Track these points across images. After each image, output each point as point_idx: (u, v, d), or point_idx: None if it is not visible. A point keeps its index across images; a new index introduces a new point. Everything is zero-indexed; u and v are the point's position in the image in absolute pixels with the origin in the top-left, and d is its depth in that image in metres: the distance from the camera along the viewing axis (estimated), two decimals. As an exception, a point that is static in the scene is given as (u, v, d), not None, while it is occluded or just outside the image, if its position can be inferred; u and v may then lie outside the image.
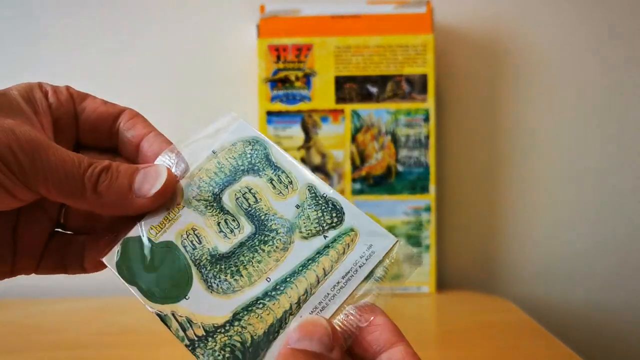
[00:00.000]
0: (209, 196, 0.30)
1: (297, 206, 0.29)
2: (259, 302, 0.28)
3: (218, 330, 0.28)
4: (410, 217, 0.66)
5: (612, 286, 0.73)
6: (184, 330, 0.28)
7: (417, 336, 0.54)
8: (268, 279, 0.28)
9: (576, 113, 0.72)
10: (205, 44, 0.71)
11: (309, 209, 0.29)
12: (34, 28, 0.71)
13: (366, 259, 0.28)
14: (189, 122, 0.71)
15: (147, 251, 0.29)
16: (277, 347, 0.27)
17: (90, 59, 0.71)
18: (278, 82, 0.65)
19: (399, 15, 0.65)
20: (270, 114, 0.65)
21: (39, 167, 0.27)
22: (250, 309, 0.28)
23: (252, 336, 0.27)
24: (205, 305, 0.28)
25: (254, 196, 0.30)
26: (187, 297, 0.28)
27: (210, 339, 0.28)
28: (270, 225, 0.29)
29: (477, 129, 0.72)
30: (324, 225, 0.29)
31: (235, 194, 0.30)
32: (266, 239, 0.29)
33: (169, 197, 0.30)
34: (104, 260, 0.30)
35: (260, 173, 0.30)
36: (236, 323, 0.27)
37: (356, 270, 0.28)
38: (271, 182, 0.30)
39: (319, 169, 0.66)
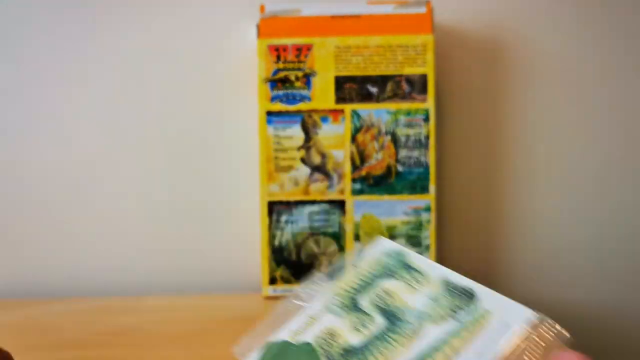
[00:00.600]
0: (347, 302, 0.31)
1: (430, 297, 0.30)
2: None
3: None
4: (410, 217, 0.66)
5: (612, 286, 0.73)
6: None
7: (417, 336, 0.54)
8: None
9: (577, 113, 0.72)
10: (204, 44, 0.71)
11: (442, 299, 0.30)
12: (29, 26, 0.71)
13: (501, 333, 0.28)
14: (189, 123, 0.71)
15: (285, 351, 0.30)
16: None
17: (89, 59, 0.71)
18: (278, 82, 0.65)
19: (399, 15, 0.65)
20: (270, 114, 0.65)
21: None
22: None
23: None
24: None
25: (391, 296, 0.31)
26: None
27: None
28: (401, 316, 0.30)
29: (477, 129, 0.72)
30: (455, 308, 0.29)
31: (374, 296, 0.31)
32: (396, 329, 0.30)
33: None
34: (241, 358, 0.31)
35: (395, 275, 0.32)
36: None
37: (490, 345, 0.28)
38: (405, 281, 0.31)
39: (319, 169, 0.66)
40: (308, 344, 0.30)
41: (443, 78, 0.71)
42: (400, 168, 0.66)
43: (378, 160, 0.66)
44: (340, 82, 0.65)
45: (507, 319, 0.28)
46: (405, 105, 0.65)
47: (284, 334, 0.31)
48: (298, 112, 0.65)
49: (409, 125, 0.65)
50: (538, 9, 0.71)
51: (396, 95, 0.65)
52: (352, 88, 0.65)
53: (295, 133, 0.65)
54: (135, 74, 0.71)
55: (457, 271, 0.72)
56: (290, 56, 0.65)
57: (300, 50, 0.65)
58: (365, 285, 0.32)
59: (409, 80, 0.65)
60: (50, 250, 0.72)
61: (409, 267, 0.32)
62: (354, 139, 0.66)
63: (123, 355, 0.50)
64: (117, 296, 0.69)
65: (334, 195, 0.66)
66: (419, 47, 0.65)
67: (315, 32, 0.65)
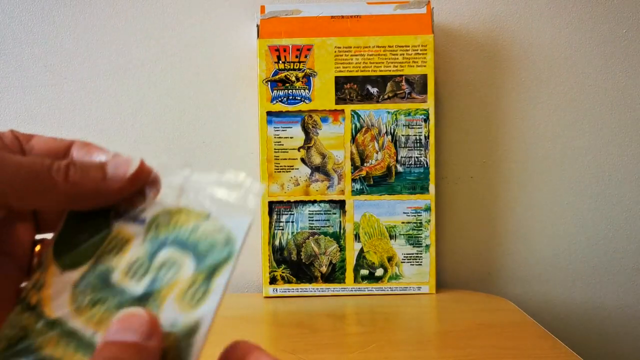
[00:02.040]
0: (161, 236, 0.28)
1: (172, 324, 0.27)
2: (70, 336, 0.27)
3: (37, 315, 0.27)
4: (410, 217, 0.66)
5: (612, 286, 0.73)
6: (34, 287, 0.28)
7: (417, 336, 0.54)
8: (94, 333, 0.26)
9: (577, 113, 0.72)
10: (205, 45, 0.71)
11: (174, 334, 0.26)
12: (26, 28, 0.71)
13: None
14: (189, 122, 0.71)
15: (95, 217, 0.29)
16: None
17: (87, 59, 0.71)
18: (278, 82, 0.65)
19: (399, 15, 0.65)
20: (270, 114, 0.65)
21: (1, 179, 0.26)
22: (62, 332, 0.27)
23: (39, 346, 0.27)
24: (59, 292, 0.28)
25: (173, 276, 0.27)
26: (63, 272, 0.28)
27: (28, 312, 0.28)
28: (147, 308, 0.27)
29: (477, 129, 0.72)
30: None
31: (170, 258, 0.28)
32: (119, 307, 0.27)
33: (145, 182, 0.29)
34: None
35: (198, 268, 0.27)
36: (47, 326, 0.27)
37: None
38: (191, 284, 0.27)
39: (319, 169, 0.66)
40: (109, 229, 0.28)
41: (443, 78, 0.71)
42: (400, 168, 0.66)
43: (378, 160, 0.66)
44: (340, 83, 0.65)
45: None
46: (405, 106, 0.65)
47: None
48: (298, 113, 0.65)
49: (409, 125, 0.65)
50: (538, 9, 0.71)
51: (396, 96, 0.65)
52: (352, 88, 0.65)
53: (296, 133, 0.66)
54: (135, 74, 0.71)
55: (457, 271, 0.73)
56: (291, 57, 0.65)
57: (300, 50, 0.65)
58: (184, 243, 0.28)
59: (409, 80, 0.65)
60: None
61: (209, 276, 0.27)
62: (354, 139, 0.66)
63: (123, 355, 0.50)
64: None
65: (334, 195, 0.66)
66: (419, 48, 0.65)
67: (315, 32, 0.65)
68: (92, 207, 0.29)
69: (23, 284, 0.30)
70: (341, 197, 0.66)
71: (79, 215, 0.30)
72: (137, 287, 0.27)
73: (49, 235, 0.31)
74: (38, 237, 0.32)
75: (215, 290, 0.26)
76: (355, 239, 0.66)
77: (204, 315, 0.26)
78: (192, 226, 0.28)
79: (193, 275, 0.27)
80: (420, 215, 0.66)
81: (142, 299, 0.27)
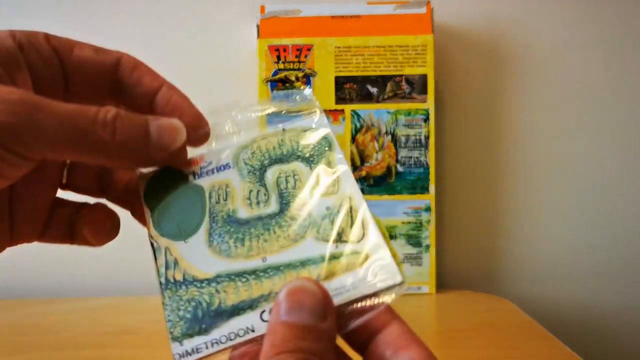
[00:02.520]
0: (256, 164, 0.30)
1: (328, 208, 0.28)
2: (243, 275, 0.27)
3: (194, 283, 0.27)
4: (410, 217, 0.66)
5: (612, 286, 0.73)
6: (167, 268, 0.28)
7: (417, 336, 0.54)
8: (264, 259, 0.27)
9: (577, 113, 0.72)
10: (205, 45, 0.71)
11: (337, 215, 0.28)
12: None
13: (361, 287, 0.26)
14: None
15: (178, 187, 0.29)
16: (236, 324, 0.26)
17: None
18: (278, 82, 0.65)
19: (398, 15, 0.65)
20: (270, 114, 0.65)
21: (40, 130, 0.23)
22: (233, 277, 0.27)
23: (220, 302, 0.27)
24: (197, 257, 0.28)
25: (295, 182, 0.29)
26: (186, 242, 0.28)
27: (183, 287, 0.27)
28: (294, 214, 0.28)
29: (477, 129, 0.72)
30: (342, 236, 0.28)
31: (280, 173, 0.30)
32: (283, 223, 0.28)
33: (185, 156, 0.29)
34: (141, 171, 0.29)
35: (311, 165, 0.30)
36: (213, 284, 0.27)
37: (345, 292, 0.26)
38: (317, 177, 0.29)
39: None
40: (201, 187, 0.29)
41: (443, 78, 0.71)
42: (400, 168, 0.66)
43: (378, 160, 0.66)
44: (340, 82, 0.65)
45: (377, 275, 0.27)
46: (405, 106, 0.65)
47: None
48: (298, 113, 0.65)
49: (409, 125, 0.65)
50: (538, 9, 0.71)
51: (396, 96, 0.65)
52: (352, 88, 0.65)
53: (295, 133, 0.65)
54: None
55: (457, 271, 0.73)
56: (290, 56, 0.65)
57: (300, 50, 0.65)
58: (281, 157, 0.30)
59: (409, 80, 0.65)
60: (51, 250, 0.72)
61: (328, 161, 0.30)
62: (354, 139, 0.66)
63: (123, 355, 0.50)
64: (117, 296, 0.69)
65: (334, 196, 0.66)
66: (419, 48, 0.65)
67: (315, 32, 0.65)
68: (131, 167, 0.28)
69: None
70: (341, 197, 0.66)
71: (158, 194, 0.29)
72: (270, 208, 0.29)
73: None
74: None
75: (345, 172, 0.29)
76: (355, 239, 0.66)
77: (347, 190, 0.29)
78: (277, 143, 0.30)
79: (314, 172, 0.29)
80: (420, 216, 0.66)
81: (283, 211, 0.28)
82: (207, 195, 0.29)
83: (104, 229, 0.30)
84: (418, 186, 0.66)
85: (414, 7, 0.65)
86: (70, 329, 0.56)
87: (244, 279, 0.27)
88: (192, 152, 0.30)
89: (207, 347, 0.26)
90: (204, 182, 0.29)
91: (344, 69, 0.65)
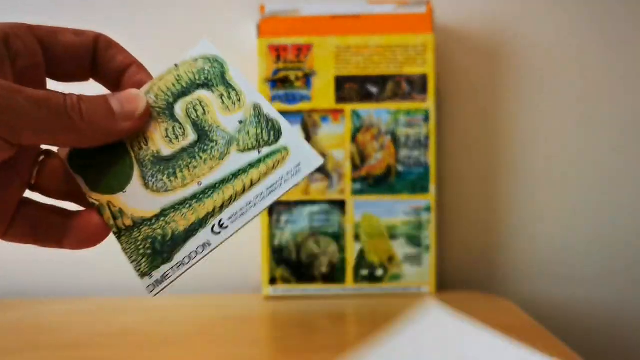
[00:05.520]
0: (163, 104, 0.32)
1: (240, 122, 0.31)
2: (186, 202, 0.30)
3: (145, 223, 0.30)
4: (410, 217, 0.66)
5: (613, 286, 0.73)
6: (115, 219, 0.31)
7: (417, 336, 0.54)
8: (199, 183, 0.30)
9: (577, 113, 0.72)
10: (205, 44, 0.71)
11: (250, 125, 0.31)
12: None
13: (291, 175, 0.30)
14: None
15: (100, 148, 0.31)
16: (193, 244, 0.30)
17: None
18: (278, 82, 0.65)
19: (399, 15, 0.65)
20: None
21: (17, 115, 0.25)
22: (177, 207, 0.30)
23: (173, 231, 0.30)
24: (139, 200, 0.31)
25: (203, 108, 0.31)
26: (124, 191, 0.31)
27: (136, 229, 0.30)
28: (212, 136, 0.31)
29: (477, 129, 0.72)
30: (261, 141, 0.31)
31: (187, 105, 0.32)
32: (205, 147, 0.31)
33: (149, 117, 0.32)
34: (60, 151, 0.31)
35: (212, 88, 0.32)
36: (162, 218, 0.30)
37: (280, 185, 0.30)
38: (221, 98, 0.31)
39: (319, 169, 0.66)
40: (121, 143, 0.31)
41: (443, 78, 0.71)
42: (400, 168, 0.66)
43: (378, 160, 0.66)
44: (340, 82, 0.65)
45: (300, 162, 0.30)
46: (405, 105, 0.65)
47: None
48: (298, 112, 0.65)
49: (409, 125, 0.65)
50: (538, 9, 0.71)
51: (396, 95, 0.65)
52: (352, 88, 0.65)
53: (295, 133, 0.65)
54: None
55: (457, 271, 0.73)
56: (290, 56, 0.65)
57: (300, 50, 0.65)
58: (182, 90, 0.32)
59: (409, 80, 0.65)
60: (50, 250, 0.72)
61: (227, 83, 0.32)
62: (354, 139, 0.66)
63: (123, 356, 0.50)
64: (117, 296, 0.69)
65: (334, 195, 0.66)
66: (419, 47, 0.65)
67: (315, 32, 0.65)
68: (102, 144, 0.30)
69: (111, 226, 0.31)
70: (341, 197, 0.66)
71: (79, 153, 0.31)
72: (189, 139, 0.31)
73: None
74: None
75: (241, 84, 0.31)
76: (355, 239, 0.66)
77: (252, 100, 0.31)
78: (175, 79, 0.32)
79: (216, 94, 0.31)
80: (421, 216, 0.66)
81: (202, 137, 0.31)
82: (128, 146, 0.31)
83: (94, 236, 0.31)
84: (418, 186, 0.66)
85: (414, 6, 0.65)
86: (70, 329, 0.56)
87: (187, 205, 0.30)
88: None
89: (173, 272, 0.30)
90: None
91: (343, 69, 0.65)
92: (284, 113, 0.65)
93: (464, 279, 0.72)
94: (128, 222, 0.30)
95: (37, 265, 0.72)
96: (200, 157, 0.31)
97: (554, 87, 0.72)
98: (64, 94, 0.27)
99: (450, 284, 0.72)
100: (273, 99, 0.65)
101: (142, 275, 0.31)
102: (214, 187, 0.30)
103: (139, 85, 0.32)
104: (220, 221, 0.30)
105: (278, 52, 0.65)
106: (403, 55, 0.65)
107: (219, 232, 0.30)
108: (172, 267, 0.30)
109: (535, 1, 0.71)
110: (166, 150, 0.31)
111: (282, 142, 0.30)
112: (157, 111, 0.32)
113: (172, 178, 0.31)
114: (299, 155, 0.30)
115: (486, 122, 0.72)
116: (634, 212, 0.72)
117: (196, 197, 0.30)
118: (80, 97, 0.28)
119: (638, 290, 0.73)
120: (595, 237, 0.72)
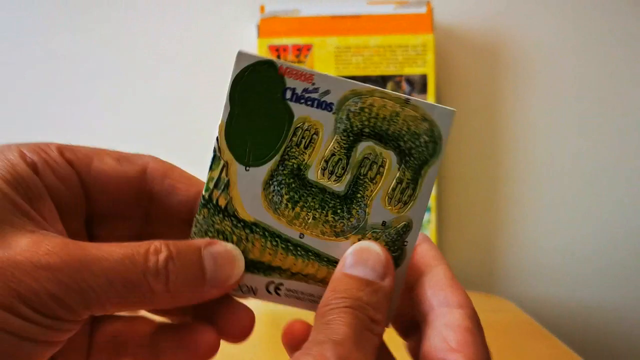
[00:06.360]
0: (357, 125, 0.25)
1: (384, 224, 0.26)
2: (275, 239, 0.26)
3: (231, 218, 0.25)
4: (410, 217, 0.65)
5: (613, 286, 0.73)
6: (216, 186, 0.26)
7: (417, 336, 0.54)
8: (301, 236, 0.26)
9: (576, 113, 0.72)
10: (205, 44, 0.71)
11: (385, 237, 0.26)
12: (25, 28, 0.71)
13: None
14: (189, 123, 0.71)
15: (269, 97, 0.25)
16: (245, 278, 0.25)
17: (86, 60, 0.71)
18: (278, 82, 0.65)
19: (399, 15, 0.65)
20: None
21: (88, 294, 0.20)
22: (266, 235, 0.26)
23: (242, 251, 0.25)
24: (248, 192, 0.25)
25: (376, 174, 0.26)
26: (247, 169, 0.25)
27: (220, 215, 0.25)
28: (354, 209, 0.26)
29: (477, 129, 0.72)
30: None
31: (370, 153, 0.26)
32: (339, 212, 0.26)
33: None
34: (242, 51, 0.27)
35: (403, 164, 0.26)
36: (247, 230, 0.25)
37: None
38: (398, 184, 0.26)
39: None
40: (292, 114, 0.25)
41: (443, 78, 0.71)
42: (400, 168, 0.66)
43: (378, 160, 0.66)
44: (340, 82, 0.65)
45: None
46: (405, 105, 0.65)
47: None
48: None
49: (409, 125, 0.65)
50: (538, 9, 0.71)
51: (396, 95, 0.65)
52: (352, 88, 0.65)
53: (295, 133, 0.65)
54: (135, 74, 0.71)
55: (457, 271, 0.72)
56: (290, 56, 0.65)
57: (300, 50, 0.65)
58: (383, 133, 0.26)
59: (409, 80, 0.65)
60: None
61: (417, 174, 0.26)
62: (354, 139, 0.66)
63: (123, 355, 0.50)
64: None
65: (334, 195, 0.66)
66: (419, 47, 0.65)
67: (315, 32, 0.65)
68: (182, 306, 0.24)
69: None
70: (341, 197, 0.66)
71: (246, 96, 0.26)
72: (338, 186, 0.26)
73: None
74: None
75: (424, 191, 0.26)
76: (355, 239, 0.66)
77: (414, 216, 0.26)
78: (390, 114, 0.25)
79: (398, 174, 0.26)
80: (420, 215, 0.65)
81: (347, 199, 0.26)
82: (292, 128, 0.25)
83: (210, 347, 0.27)
84: (418, 186, 0.65)
85: (414, 6, 0.65)
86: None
87: (274, 243, 0.26)
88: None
89: None
90: (298, 109, 0.25)
91: (343, 69, 0.65)
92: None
93: (463, 279, 0.72)
94: (222, 202, 0.25)
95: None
96: (326, 216, 0.26)
97: (553, 87, 0.72)
98: (147, 251, 0.21)
99: (450, 284, 0.72)
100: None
101: None
102: (306, 251, 0.26)
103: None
104: (280, 284, 0.26)
105: (278, 52, 0.65)
106: (403, 56, 0.65)
107: (270, 293, 0.26)
108: None
109: (535, 1, 0.71)
110: (312, 174, 0.25)
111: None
112: (345, 126, 0.25)
113: (289, 204, 0.25)
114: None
115: (486, 121, 0.72)
116: (634, 212, 0.72)
117: (287, 244, 0.26)
118: (169, 257, 0.22)
119: (638, 290, 0.73)
120: (595, 237, 0.72)
